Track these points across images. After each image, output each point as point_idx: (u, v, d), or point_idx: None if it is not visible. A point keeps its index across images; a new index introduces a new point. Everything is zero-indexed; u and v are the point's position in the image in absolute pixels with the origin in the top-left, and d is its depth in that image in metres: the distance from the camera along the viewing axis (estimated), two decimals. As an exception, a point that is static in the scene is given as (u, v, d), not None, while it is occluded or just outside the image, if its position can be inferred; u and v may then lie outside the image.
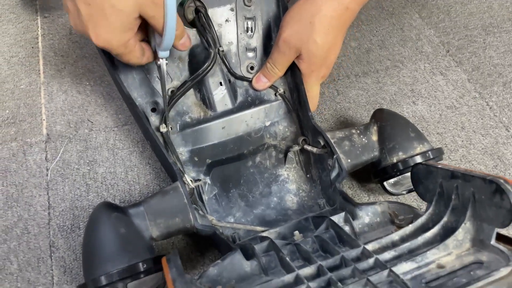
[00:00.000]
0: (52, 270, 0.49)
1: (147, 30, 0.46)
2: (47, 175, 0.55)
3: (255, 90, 0.54)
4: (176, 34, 0.44)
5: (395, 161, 0.49)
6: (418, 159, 0.48)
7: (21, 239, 0.50)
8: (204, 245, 0.51)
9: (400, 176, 0.50)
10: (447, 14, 0.75)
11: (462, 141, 0.60)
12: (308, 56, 0.49)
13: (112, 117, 0.61)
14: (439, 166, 0.40)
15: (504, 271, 0.32)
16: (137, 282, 0.40)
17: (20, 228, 0.51)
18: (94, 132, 0.59)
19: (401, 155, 0.49)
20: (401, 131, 0.50)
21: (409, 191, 0.52)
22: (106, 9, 0.39)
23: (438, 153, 0.50)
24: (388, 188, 0.52)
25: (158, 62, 0.46)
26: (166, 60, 0.47)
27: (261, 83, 0.53)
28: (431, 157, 0.49)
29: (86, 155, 0.57)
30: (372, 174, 0.53)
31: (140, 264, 0.40)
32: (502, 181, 0.33)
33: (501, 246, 0.34)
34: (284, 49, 0.50)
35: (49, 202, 0.53)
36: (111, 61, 0.50)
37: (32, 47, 0.68)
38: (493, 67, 0.69)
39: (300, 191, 0.53)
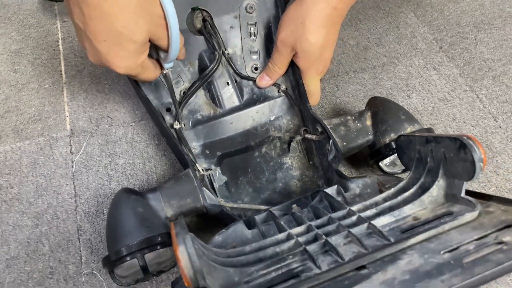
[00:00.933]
0: (80, 251, 0.54)
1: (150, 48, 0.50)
2: (72, 167, 0.60)
3: (259, 88, 0.59)
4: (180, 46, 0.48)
5: (387, 141, 0.53)
6: None
7: (51, 223, 0.56)
8: (215, 225, 0.56)
9: (394, 156, 0.54)
10: (441, 12, 0.80)
11: (453, 131, 0.65)
12: (303, 54, 0.53)
13: (129, 113, 0.66)
14: (417, 133, 0.43)
15: (469, 216, 0.36)
16: (154, 253, 0.44)
17: (50, 214, 0.56)
18: (113, 127, 0.64)
19: (393, 136, 0.53)
20: (393, 114, 0.54)
21: (403, 171, 0.56)
22: (123, 43, 0.43)
23: (428, 132, 0.53)
24: (384, 168, 0.56)
25: (164, 72, 0.51)
26: (170, 69, 0.51)
27: (264, 81, 0.58)
28: None
29: (107, 148, 0.62)
30: (369, 156, 0.57)
31: (156, 237, 0.44)
32: (465, 137, 0.37)
33: (469, 198, 0.38)
34: (282, 49, 0.54)
35: (75, 191, 0.58)
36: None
37: (54, 50, 0.73)
38: (483, 62, 0.73)
39: (304, 176, 0.58)
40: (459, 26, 0.78)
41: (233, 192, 0.56)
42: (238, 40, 0.59)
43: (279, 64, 0.56)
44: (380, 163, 0.56)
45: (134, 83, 0.54)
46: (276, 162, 0.58)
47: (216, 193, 0.55)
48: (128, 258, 0.43)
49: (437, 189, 0.40)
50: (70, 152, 0.62)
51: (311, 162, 0.58)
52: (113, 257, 0.44)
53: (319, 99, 0.59)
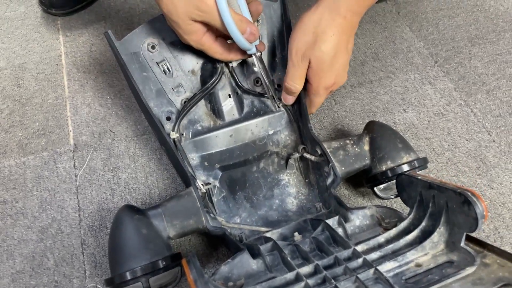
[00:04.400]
0: (84, 265, 0.55)
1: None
2: (76, 181, 0.62)
3: (284, 105, 0.59)
4: (239, 28, 0.49)
5: (384, 169, 0.54)
6: (405, 168, 0.53)
7: (56, 238, 0.57)
8: (217, 241, 0.57)
9: (389, 182, 0.55)
10: (436, 27, 0.82)
11: (448, 145, 0.66)
12: (317, 63, 0.53)
13: (131, 128, 0.67)
14: (419, 177, 0.45)
15: (469, 270, 0.38)
16: (157, 277, 0.46)
17: (54, 229, 0.58)
18: (116, 141, 0.66)
19: (389, 164, 0.54)
20: (390, 142, 0.55)
21: (397, 195, 0.57)
22: (171, 22, 0.50)
23: (423, 162, 0.55)
24: (378, 193, 0.57)
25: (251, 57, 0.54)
26: (260, 54, 0.54)
27: (289, 100, 0.58)
28: (417, 165, 0.54)
29: (110, 162, 0.63)
30: (364, 180, 0.58)
31: (160, 261, 0.46)
32: (469, 193, 0.39)
33: (468, 248, 0.41)
34: (297, 60, 0.54)
35: (79, 205, 0.60)
36: (127, 72, 0.55)
37: (57, 64, 0.74)
38: (478, 76, 0.75)
39: (300, 194, 0.59)
40: (454, 41, 0.79)
41: (231, 207, 0.57)
42: None
43: (297, 79, 0.56)
44: (375, 188, 0.57)
45: (134, 90, 0.55)
46: (273, 178, 0.59)
47: (214, 208, 0.56)
48: (133, 282, 0.45)
49: (438, 235, 0.43)
50: (74, 166, 0.63)
51: (307, 180, 0.59)
52: (117, 280, 0.45)
53: (317, 109, 0.60)
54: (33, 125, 0.67)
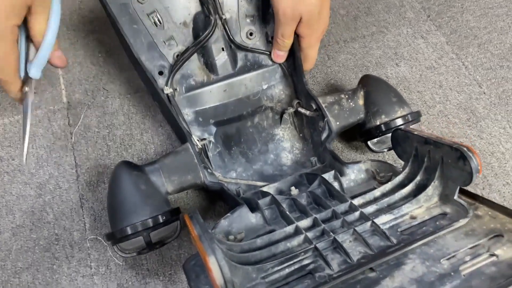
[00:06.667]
0: (83, 218, 0.56)
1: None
2: (71, 138, 0.62)
3: (276, 63, 0.59)
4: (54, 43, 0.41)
5: (378, 123, 0.55)
6: (399, 122, 0.54)
7: (54, 193, 0.58)
8: (214, 196, 0.58)
9: (382, 136, 0.56)
10: (429, -19, 0.81)
11: (440, 97, 0.67)
12: (307, 17, 0.53)
13: (124, 86, 0.67)
14: (415, 132, 0.46)
15: (462, 222, 0.40)
16: (158, 231, 0.47)
17: (52, 184, 0.58)
18: (109, 99, 0.66)
19: (383, 118, 0.55)
20: (385, 96, 0.56)
21: (390, 149, 0.58)
22: None
23: (416, 115, 0.56)
24: (371, 146, 0.58)
25: (26, 89, 0.40)
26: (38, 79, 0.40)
27: (280, 57, 0.58)
28: (410, 119, 0.55)
29: (104, 119, 0.64)
30: (358, 134, 0.59)
31: (160, 216, 0.46)
32: (465, 149, 0.40)
33: (461, 201, 0.42)
34: (286, 20, 0.54)
35: (75, 161, 0.60)
36: (117, 25, 0.54)
37: (46, 23, 0.73)
38: (469, 30, 0.75)
39: (294, 149, 0.60)
40: (446, -6, 0.79)
41: (227, 162, 0.58)
42: (235, 3, 0.57)
43: (287, 36, 0.56)
44: (369, 142, 0.58)
45: (125, 44, 0.54)
46: (268, 133, 0.60)
47: (210, 163, 0.56)
48: (134, 236, 0.46)
49: (432, 189, 0.44)
50: (68, 124, 0.63)
51: (301, 135, 0.60)
52: (118, 235, 0.46)
53: (314, 63, 0.60)
54: (25, 84, 0.67)
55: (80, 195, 0.58)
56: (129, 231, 0.46)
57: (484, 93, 0.68)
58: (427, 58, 0.71)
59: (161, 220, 0.47)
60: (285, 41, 0.56)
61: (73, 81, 0.67)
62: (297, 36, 0.57)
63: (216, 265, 0.33)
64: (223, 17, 0.56)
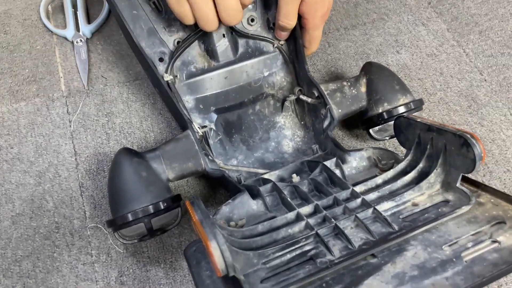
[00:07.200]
0: (84, 206, 0.56)
1: None
2: (70, 126, 0.61)
3: (278, 40, 0.58)
4: None
5: (380, 111, 0.54)
6: (401, 110, 0.54)
7: (54, 181, 0.57)
8: (215, 183, 0.58)
9: (384, 124, 0.56)
10: (430, -32, 0.80)
11: (441, 85, 0.67)
12: None
13: (123, 73, 0.66)
14: (418, 119, 0.46)
15: (464, 209, 0.40)
16: (159, 217, 0.47)
17: (52, 173, 0.58)
18: (108, 87, 0.65)
19: (386, 106, 0.54)
20: (387, 84, 0.55)
21: (391, 137, 0.58)
22: None
23: (419, 103, 0.55)
24: (373, 134, 0.58)
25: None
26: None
27: (283, 36, 0.57)
28: (412, 107, 0.54)
29: (103, 107, 0.63)
30: (360, 121, 0.59)
31: (161, 203, 0.46)
32: (469, 136, 0.39)
33: (464, 188, 0.42)
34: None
35: (74, 150, 0.60)
36: (116, 10, 0.53)
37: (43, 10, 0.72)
38: (470, 17, 0.74)
39: (295, 136, 0.59)
40: (447, -19, 0.78)
41: (228, 149, 0.57)
42: None
43: (290, 16, 0.54)
44: (370, 130, 0.58)
45: (124, 30, 0.54)
46: (269, 121, 0.59)
47: (211, 150, 0.56)
48: (135, 223, 0.46)
49: (435, 176, 0.43)
50: (67, 112, 0.63)
51: (302, 122, 0.59)
52: (119, 222, 0.46)
53: (318, 45, 0.59)
54: (22, 72, 0.66)
55: (79, 183, 0.57)
56: (130, 217, 0.45)
57: (485, 80, 0.67)
58: (428, 45, 0.71)
59: (162, 207, 0.47)
60: (290, 22, 0.55)
61: (71, 69, 0.66)
62: (300, 18, 0.55)
63: (217, 250, 0.32)
64: None
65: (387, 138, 0.59)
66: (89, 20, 0.71)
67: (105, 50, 0.68)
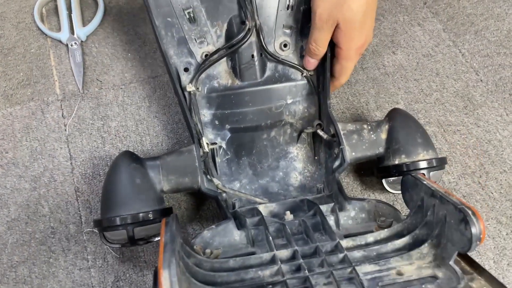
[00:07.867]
0: (79, 211, 0.56)
1: None
2: (65, 130, 0.61)
3: (307, 70, 0.56)
4: None
5: (396, 162, 0.51)
6: (419, 165, 0.50)
7: (49, 186, 0.57)
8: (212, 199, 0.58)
9: (399, 177, 0.52)
10: (425, -33, 0.80)
11: (437, 85, 0.67)
12: (345, 24, 0.50)
13: (118, 76, 0.66)
14: (424, 181, 0.43)
15: None
16: (143, 227, 0.46)
17: (47, 177, 0.58)
18: (103, 90, 0.65)
19: (403, 158, 0.51)
20: (409, 135, 0.52)
21: None
22: None
23: (440, 162, 0.51)
24: (385, 185, 0.56)
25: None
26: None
27: (311, 64, 0.55)
28: (434, 165, 0.51)
29: (98, 111, 0.63)
30: (375, 169, 0.56)
31: (146, 213, 0.46)
32: (470, 212, 0.36)
33: (456, 268, 0.37)
34: (322, 24, 0.51)
35: (70, 154, 0.59)
36: (149, 16, 0.53)
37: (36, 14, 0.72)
38: (466, 16, 0.74)
39: (306, 171, 0.57)
40: (443, -19, 0.78)
41: (233, 170, 0.56)
42: (274, 11, 0.55)
43: (320, 43, 0.53)
44: (384, 180, 0.55)
45: (155, 34, 0.53)
46: (282, 149, 0.57)
47: (216, 168, 0.55)
48: (119, 228, 0.45)
49: (429, 247, 0.40)
50: (62, 116, 0.62)
51: (316, 157, 0.57)
52: (105, 224, 0.45)
53: (348, 78, 0.57)
54: (17, 75, 0.66)
55: (75, 187, 0.57)
56: (116, 221, 0.45)
57: (481, 80, 0.67)
58: (423, 46, 0.71)
59: (149, 217, 0.46)
60: (319, 48, 0.53)
61: (66, 72, 0.66)
62: (333, 46, 0.53)
63: (167, 281, 0.30)
64: (259, 24, 0.54)
65: (400, 192, 0.52)
66: (83, 23, 0.70)
67: (100, 53, 0.68)
